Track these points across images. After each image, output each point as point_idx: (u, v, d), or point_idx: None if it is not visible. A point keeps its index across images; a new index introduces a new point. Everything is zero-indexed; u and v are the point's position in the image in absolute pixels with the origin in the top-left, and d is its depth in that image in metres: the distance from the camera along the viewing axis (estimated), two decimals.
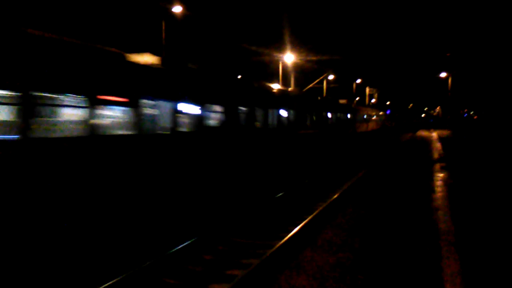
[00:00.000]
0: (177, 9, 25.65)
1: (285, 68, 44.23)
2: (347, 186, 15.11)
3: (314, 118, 22.55)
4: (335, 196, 12.93)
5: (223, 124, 12.40)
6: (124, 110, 8.77)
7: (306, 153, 20.88)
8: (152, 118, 9.33)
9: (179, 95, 10.28)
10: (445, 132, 54.23)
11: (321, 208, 11.44)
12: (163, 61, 10.25)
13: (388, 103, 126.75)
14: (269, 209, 12.12)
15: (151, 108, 9.23)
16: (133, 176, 8.69)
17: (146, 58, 9.87)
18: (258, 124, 14.88)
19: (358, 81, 78.46)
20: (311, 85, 47.79)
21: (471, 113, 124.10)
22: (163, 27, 24.38)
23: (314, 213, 10.78)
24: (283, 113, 17.65)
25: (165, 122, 9.89)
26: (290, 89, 25.92)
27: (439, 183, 14.62)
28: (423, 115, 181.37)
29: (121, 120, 8.93)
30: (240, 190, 13.29)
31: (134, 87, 8.71)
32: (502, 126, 50.31)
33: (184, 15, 26.74)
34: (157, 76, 9.67)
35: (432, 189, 13.35)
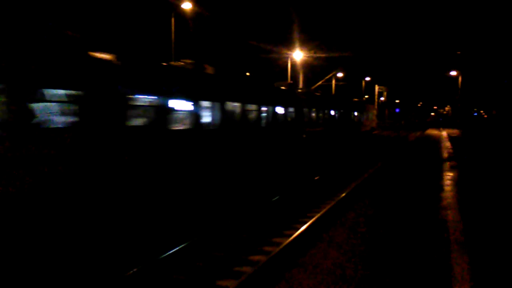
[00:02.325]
0: (187, 5, 25.64)
1: (293, 65, 44.10)
2: (358, 182, 15.12)
3: (322, 116, 22.35)
4: (349, 190, 13.31)
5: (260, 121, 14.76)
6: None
7: (317, 149, 20.87)
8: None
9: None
10: (454, 131, 53.77)
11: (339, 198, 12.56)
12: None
13: (397, 101, 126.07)
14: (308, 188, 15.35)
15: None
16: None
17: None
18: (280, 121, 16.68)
19: (368, 79, 78.18)
20: (319, 83, 47.66)
21: (481, 112, 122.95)
22: (173, 23, 24.39)
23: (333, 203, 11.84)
24: (296, 111, 17.97)
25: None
26: (300, 88, 25.79)
27: (448, 182, 14.49)
28: (432, 114, 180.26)
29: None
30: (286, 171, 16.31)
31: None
32: None
33: (193, 11, 26.74)
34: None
35: (441, 188, 13.24)
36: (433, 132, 54.55)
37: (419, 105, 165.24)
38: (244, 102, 13.41)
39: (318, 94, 26.06)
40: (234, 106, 12.87)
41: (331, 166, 20.61)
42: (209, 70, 12.59)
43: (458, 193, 12.45)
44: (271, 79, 19.65)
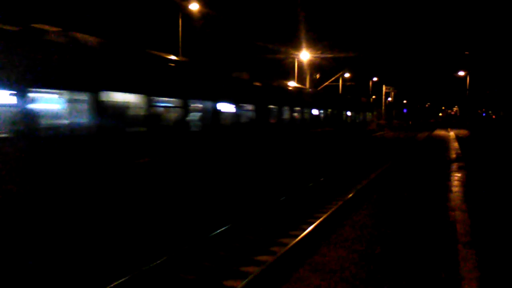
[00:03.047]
0: (194, 6, 25.71)
1: (300, 65, 44.06)
2: (367, 182, 15.12)
3: (301, 116, 19.00)
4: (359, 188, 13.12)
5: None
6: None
7: (325, 149, 20.80)
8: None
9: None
10: (462, 132, 53.42)
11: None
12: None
13: (405, 101, 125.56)
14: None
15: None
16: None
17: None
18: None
19: (375, 79, 77.90)
20: (326, 83, 47.57)
21: (490, 112, 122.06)
22: (180, 23, 24.47)
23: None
24: (256, 110, 14.64)
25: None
26: (307, 87, 25.54)
27: (456, 183, 14.40)
28: (440, 114, 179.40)
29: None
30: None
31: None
32: None
33: (199, 11, 26.82)
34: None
35: (449, 189, 13.17)
36: (441, 132, 54.23)
37: (427, 105, 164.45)
38: (151, 94, 9.35)
39: (308, 91, 22.75)
40: (134, 99, 9.06)
41: (347, 163, 19.61)
42: (94, 43, 8.35)
43: (466, 194, 12.38)
44: (228, 68, 14.38)
